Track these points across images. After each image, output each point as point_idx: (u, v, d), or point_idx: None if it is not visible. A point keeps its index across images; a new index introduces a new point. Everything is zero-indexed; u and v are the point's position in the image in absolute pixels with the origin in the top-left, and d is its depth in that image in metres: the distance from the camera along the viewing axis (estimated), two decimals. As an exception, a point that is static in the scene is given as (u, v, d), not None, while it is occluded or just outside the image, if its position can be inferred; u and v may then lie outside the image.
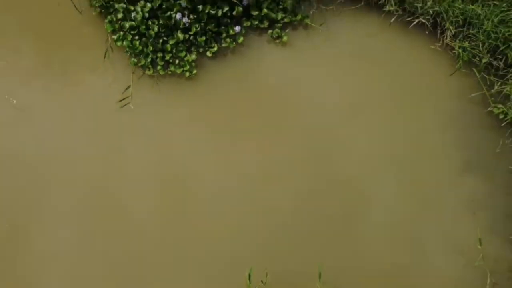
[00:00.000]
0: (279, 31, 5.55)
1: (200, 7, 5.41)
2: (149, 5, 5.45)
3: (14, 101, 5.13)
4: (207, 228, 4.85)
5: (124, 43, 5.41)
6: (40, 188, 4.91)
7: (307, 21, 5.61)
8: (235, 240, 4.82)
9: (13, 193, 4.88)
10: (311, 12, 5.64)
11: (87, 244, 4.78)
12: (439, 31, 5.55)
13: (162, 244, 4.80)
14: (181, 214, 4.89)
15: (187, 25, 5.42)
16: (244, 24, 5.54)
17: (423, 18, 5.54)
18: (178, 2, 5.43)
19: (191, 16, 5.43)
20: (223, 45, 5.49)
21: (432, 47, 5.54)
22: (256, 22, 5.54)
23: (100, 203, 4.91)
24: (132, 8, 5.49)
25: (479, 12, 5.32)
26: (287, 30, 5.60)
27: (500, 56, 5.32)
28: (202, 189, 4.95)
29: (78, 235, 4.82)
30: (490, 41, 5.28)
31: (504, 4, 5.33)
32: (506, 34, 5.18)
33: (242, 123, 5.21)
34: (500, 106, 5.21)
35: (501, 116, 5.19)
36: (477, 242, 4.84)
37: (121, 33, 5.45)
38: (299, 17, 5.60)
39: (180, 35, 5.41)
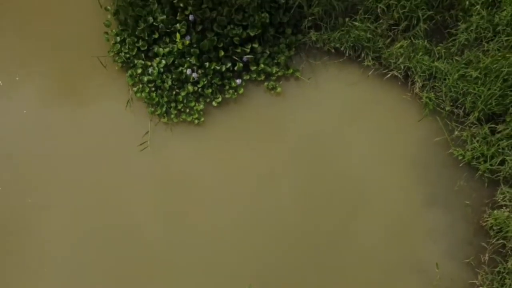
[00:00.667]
0: (273, 83, 6.59)
1: (207, 63, 6.44)
2: (163, 61, 6.47)
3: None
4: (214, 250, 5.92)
5: (143, 94, 6.45)
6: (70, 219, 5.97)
7: (298, 74, 6.63)
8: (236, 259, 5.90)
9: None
10: (301, 67, 6.64)
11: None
12: (409, 83, 6.56)
13: (170, 265, 5.88)
14: (188, 238, 5.96)
15: (196, 79, 6.45)
16: (244, 78, 6.56)
17: (396, 72, 6.56)
18: (188, 59, 6.45)
19: (199, 71, 6.46)
20: (227, 96, 6.52)
21: (404, 96, 6.55)
22: (254, 76, 6.57)
23: (115, 230, 5.98)
24: (149, 63, 6.53)
25: (442, 68, 6.34)
26: (281, 82, 6.61)
27: (460, 106, 6.34)
28: (206, 213, 6.02)
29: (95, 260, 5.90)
30: (451, 93, 6.30)
31: (464, 61, 6.34)
32: (464, 89, 6.20)
33: (243, 162, 6.25)
34: (458, 149, 6.23)
35: (460, 158, 6.21)
36: (435, 266, 5.90)
37: (140, 85, 6.49)
38: (290, 71, 6.63)
39: (190, 88, 6.45)
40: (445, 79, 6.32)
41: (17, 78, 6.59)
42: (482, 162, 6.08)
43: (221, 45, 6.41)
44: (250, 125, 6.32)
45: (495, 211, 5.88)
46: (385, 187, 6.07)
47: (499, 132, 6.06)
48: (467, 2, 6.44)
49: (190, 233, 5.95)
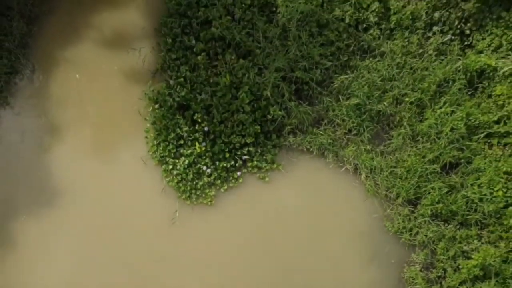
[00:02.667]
0: (263, 174, 9.57)
1: (217, 162, 9.45)
2: (187, 160, 9.46)
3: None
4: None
5: (173, 183, 9.46)
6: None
7: (280, 167, 9.62)
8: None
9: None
10: (283, 162, 9.64)
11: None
12: (357, 174, 9.54)
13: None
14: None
15: (209, 173, 9.47)
16: (243, 171, 9.56)
17: (348, 166, 9.53)
18: (204, 159, 9.47)
19: (212, 167, 9.47)
20: (230, 184, 9.52)
21: (354, 183, 9.54)
22: (250, 169, 9.57)
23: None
24: (177, 161, 9.53)
25: (378, 165, 9.34)
26: (269, 173, 9.60)
27: (391, 192, 9.34)
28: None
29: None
30: (385, 183, 9.31)
31: (394, 161, 9.34)
32: (393, 181, 9.21)
33: (243, 231, 9.28)
34: (389, 223, 9.25)
35: (390, 229, 9.23)
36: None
37: (171, 177, 9.50)
38: (275, 165, 9.62)
39: (205, 179, 9.45)
40: (380, 173, 9.29)
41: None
42: (404, 233, 9.08)
43: (227, 149, 9.40)
44: (247, 204, 9.32)
45: (411, 267, 8.90)
46: (336, 250, 9.06)
47: (415, 212, 9.07)
48: (397, 117, 9.42)
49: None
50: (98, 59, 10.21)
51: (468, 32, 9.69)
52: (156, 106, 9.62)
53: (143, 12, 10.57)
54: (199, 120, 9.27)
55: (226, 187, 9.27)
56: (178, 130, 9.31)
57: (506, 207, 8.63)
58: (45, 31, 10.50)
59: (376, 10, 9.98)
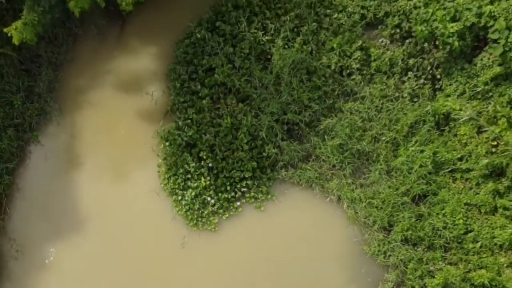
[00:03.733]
0: (259, 204, 11.18)
1: (220, 194, 11.07)
2: (193, 192, 11.07)
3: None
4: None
5: (181, 212, 11.10)
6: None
7: (274, 198, 11.23)
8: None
9: None
10: (276, 194, 11.26)
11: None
12: (340, 203, 11.15)
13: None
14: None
15: (213, 204, 11.11)
16: (242, 202, 11.19)
17: (332, 196, 11.12)
18: (208, 191, 11.10)
19: (215, 198, 11.10)
20: (231, 213, 11.14)
21: (337, 212, 11.15)
22: (248, 200, 11.20)
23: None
24: (185, 193, 11.16)
25: (358, 197, 10.94)
26: (264, 203, 11.22)
27: (369, 219, 10.95)
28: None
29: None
30: (363, 212, 10.91)
31: (371, 193, 10.94)
32: (370, 211, 10.81)
33: (241, 254, 10.91)
34: (366, 247, 10.87)
35: (367, 251, 10.84)
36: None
37: (180, 207, 11.14)
38: (269, 196, 11.22)
39: (210, 209, 11.06)
40: (360, 203, 10.89)
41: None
42: (379, 255, 10.69)
43: (228, 183, 11.00)
44: (246, 230, 10.94)
45: (385, 285, 10.53)
46: (321, 270, 10.66)
47: (389, 237, 10.68)
48: (375, 154, 11.01)
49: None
50: (116, 100, 11.81)
51: (439, 76, 11.22)
52: (167, 144, 11.21)
53: (154, 59, 12.18)
54: (204, 157, 10.86)
55: (227, 215, 10.87)
56: (186, 166, 10.90)
57: (466, 233, 10.19)
58: (69, 76, 12.09)
59: (358, 57, 11.54)
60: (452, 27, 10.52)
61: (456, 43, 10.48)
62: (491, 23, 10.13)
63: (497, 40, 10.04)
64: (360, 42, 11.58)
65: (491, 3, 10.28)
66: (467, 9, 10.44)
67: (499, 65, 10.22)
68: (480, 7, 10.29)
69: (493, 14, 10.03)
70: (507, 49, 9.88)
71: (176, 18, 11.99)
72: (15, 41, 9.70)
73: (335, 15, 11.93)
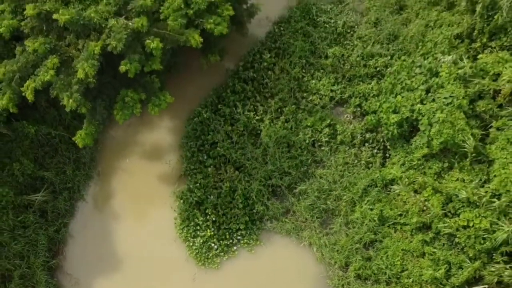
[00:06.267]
0: (250, 248, 15.09)
1: (221, 241, 15.03)
2: (201, 240, 14.99)
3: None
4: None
5: (193, 255, 15.04)
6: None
7: (262, 244, 15.09)
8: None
9: None
10: (263, 240, 15.13)
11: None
12: (311, 248, 15.02)
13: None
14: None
15: (216, 248, 15.05)
16: (238, 247, 15.12)
17: (305, 242, 15.03)
18: (213, 239, 15.05)
19: (217, 244, 15.03)
20: (229, 255, 14.97)
21: (309, 254, 15.03)
22: (242, 245, 15.12)
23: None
24: (196, 241, 15.11)
25: (323, 243, 14.85)
26: (254, 248, 15.12)
27: (332, 260, 14.83)
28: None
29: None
30: (328, 254, 14.79)
31: (334, 240, 14.82)
32: (333, 255, 14.70)
33: (238, 286, 14.83)
34: (329, 281, 14.77)
35: (330, 284, 14.73)
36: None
37: (191, 250, 15.07)
38: (258, 242, 15.04)
39: (213, 252, 14.96)
40: (325, 248, 14.76)
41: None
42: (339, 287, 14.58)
43: (227, 233, 14.85)
44: (241, 268, 14.84)
45: None
46: None
47: (346, 274, 14.57)
48: (337, 210, 14.86)
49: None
50: (141, 167, 15.66)
51: (389, 147, 14.97)
52: (181, 201, 15.07)
53: (170, 132, 16.02)
54: (209, 213, 14.73)
55: (227, 257, 14.73)
56: (196, 219, 14.78)
57: (402, 271, 13.95)
58: (106, 147, 15.98)
59: (327, 132, 15.31)
60: (393, 118, 14.25)
61: (395, 131, 14.22)
62: (420, 117, 13.85)
63: (424, 131, 13.78)
64: (329, 120, 15.29)
65: (421, 102, 13.99)
66: (404, 105, 14.17)
67: (427, 147, 13.95)
68: (412, 105, 14.02)
69: (421, 112, 13.74)
70: (430, 139, 13.61)
71: (185, 100, 15.75)
72: (79, 145, 13.36)
73: (310, 97, 15.68)
